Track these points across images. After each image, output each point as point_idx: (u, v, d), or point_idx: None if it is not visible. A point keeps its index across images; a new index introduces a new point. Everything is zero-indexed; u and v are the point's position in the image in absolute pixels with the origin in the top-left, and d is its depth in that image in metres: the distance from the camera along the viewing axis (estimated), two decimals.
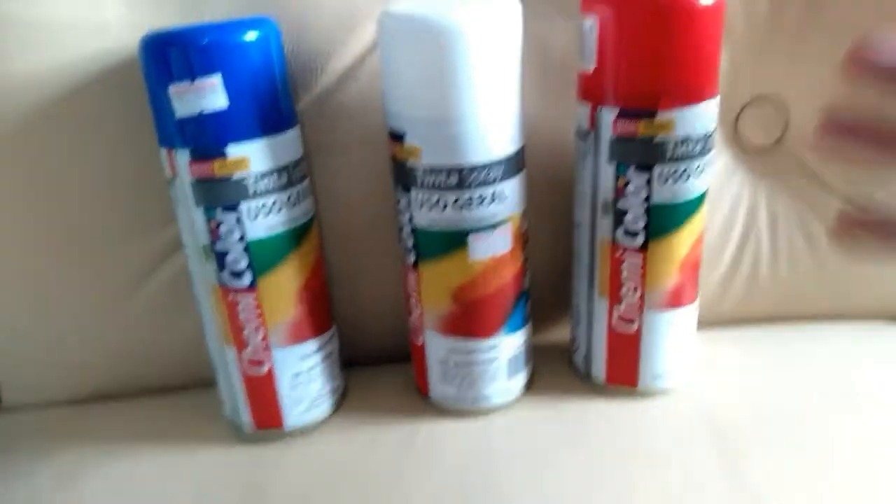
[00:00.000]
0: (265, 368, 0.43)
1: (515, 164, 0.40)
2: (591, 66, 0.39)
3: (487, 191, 0.39)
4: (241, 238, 0.39)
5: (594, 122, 0.40)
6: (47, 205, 0.44)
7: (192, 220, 0.39)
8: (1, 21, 0.40)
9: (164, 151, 0.39)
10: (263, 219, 0.39)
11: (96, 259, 0.46)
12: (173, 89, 0.36)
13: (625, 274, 0.42)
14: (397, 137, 0.39)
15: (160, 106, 0.38)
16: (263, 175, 0.39)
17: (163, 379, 0.50)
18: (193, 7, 0.42)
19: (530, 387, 0.47)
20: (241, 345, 0.42)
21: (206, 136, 0.37)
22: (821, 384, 0.46)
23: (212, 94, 0.36)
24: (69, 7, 0.41)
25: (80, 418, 0.49)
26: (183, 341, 0.48)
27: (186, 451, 0.44)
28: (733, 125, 0.48)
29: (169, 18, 0.41)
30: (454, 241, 0.40)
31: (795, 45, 0.46)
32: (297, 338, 0.43)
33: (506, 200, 0.40)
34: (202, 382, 0.48)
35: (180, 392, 0.50)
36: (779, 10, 0.45)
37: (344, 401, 0.48)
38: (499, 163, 0.39)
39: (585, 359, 0.47)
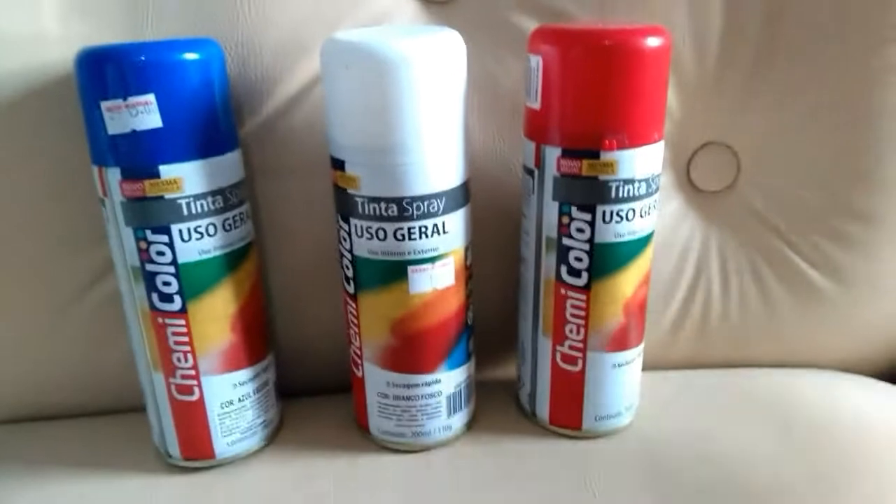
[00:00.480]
0: (195, 396, 0.41)
1: (459, 197, 0.39)
2: (536, 105, 0.39)
3: (429, 223, 0.38)
4: (172, 261, 0.38)
5: (539, 160, 0.39)
6: None
7: (121, 240, 0.38)
8: None
9: (95, 169, 0.38)
10: (196, 242, 0.38)
11: (26, 278, 0.44)
12: (106, 106, 0.35)
13: (568, 313, 0.41)
14: (338, 165, 0.38)
15: (93, 123, 0.36)
16: (197, 197, 0.38)
17: (93, 403, 0.48)
18: (136, 25, 0.41)
19: (473, 424, 0.46)
20: (169, 370, 0.40)
21: (138, 155, 0.36)
22: (767, 430, 0.45)
23: (145, 113, 0.35)
24: (6, 18, 0.40)
25: (3, 439, 0.47)
26: (115, 364, 0.46)
27: (113, 478, 0.42)
28: (685, 169, 0.48)
29: (110, 35, 0.41)
30: (394, 272, 0.39)
31: (746, 92, 0.46)
32: (230, 365, 0.41)
33: (448, 234, 0.39)
34: (134, 408, 0.46)
35: (110, 417, 0.48)
36: (729, 57, 0.45)
37: (279, 432, 0.46)
38: (440, 195, 0.38)
39: (530, 397, 0.45)
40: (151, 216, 0.37)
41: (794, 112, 0.46)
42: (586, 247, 0.39)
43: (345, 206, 0.39)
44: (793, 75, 0.45)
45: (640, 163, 0.38)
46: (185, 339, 0.39)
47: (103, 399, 0.48)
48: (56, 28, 0.40)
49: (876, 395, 0.50)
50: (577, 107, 0.37)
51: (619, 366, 0.43)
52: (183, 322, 0.39)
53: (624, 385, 0.43)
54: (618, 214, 0.39)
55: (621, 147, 0.37)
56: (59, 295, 0.45)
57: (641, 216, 0.39)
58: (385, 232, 0.38)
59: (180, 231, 0.38)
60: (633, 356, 0.43)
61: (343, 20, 0.42)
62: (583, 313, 0.41)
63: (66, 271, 0.45)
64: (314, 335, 0.48)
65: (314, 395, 0.49)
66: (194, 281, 0.39)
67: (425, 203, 0.38)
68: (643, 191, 0.39)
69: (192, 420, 0.41)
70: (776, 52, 0.45)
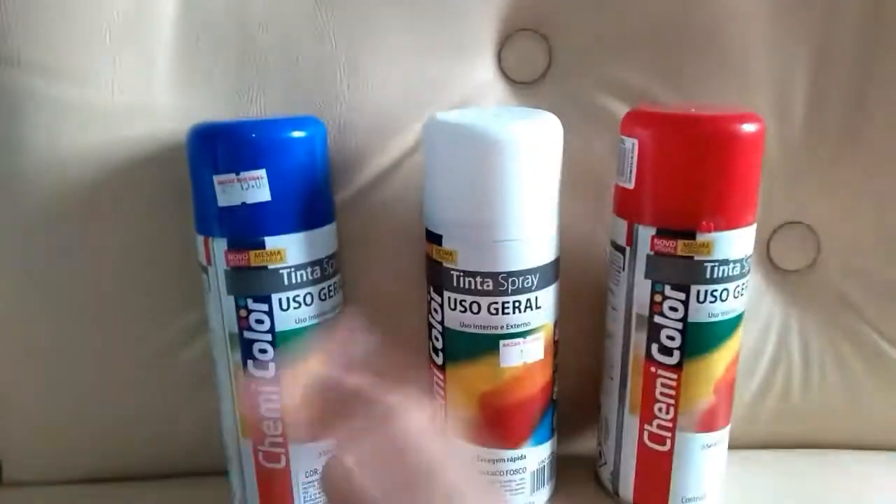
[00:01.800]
0: (282, 464, 0.40)
1: (551, 272, 0.38)
2: (630, 185, 0.38)
3: (522, 298, 0.37)
4: (270, 329, 0.37)
5: (631, 238, 0.38)
6: (73, 282, 0.43)
7: (221, 307, 0.38)
8: (60, 103, 0.40)
9: (200, 238, 0.38)
10: (294, 311, 0.38)
11: (117, 337, 0.44)
12: (218, 179, 0.36)
13: (658, 392, 0.40)
14: (434, 239, 0.38)
15: (203, 194, 0.37)
16: (298, 267, 0.37)
17: (169, 465, 0.47)
18: (241, 101, 0.42)
19: (554, 500, 0.43)
20: (258, 437, 0.39)
21: (245, 227, 0.36)
22: None
23: (256, 187, 0.36)
24: (122, 92, 0.41)
25: (81, 499, 0.46)
26: (194, 428, 0.46)
27: None
28: (765, 248, 0.47)
29: (216, 109, 0.41)
30: (485, 345, 0.38)
31: (828, 173, 0.45)
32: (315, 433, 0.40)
33: (540, 309, 0.38)
34: (210, 471, 0.45)
35: (186, 479, 0.47)
36: (813, 138, 0.44)
37: None
38: (535, 271, 0.37)
39: (612, 475, 0.43)
40: (254, 285, 0.37)
41: (875, 192, 0.45)
42: (679, 325, 0.38)
43: (439, 278, 0.38)
44: (873, 156, 0.44)
45: (736, 244, 0.37)
46: (277, 406, 0.39)
47: (179, 461, 0.47)
48: (167, 100, 0.41)
49: None
50: (675, 189, 0.37)
51: (708, 447, 0.40)
52: (276, 389, 0.38)
53: (711, 467, 0.41)
54: (712, 294, 0.37)
55: (718, 229, 0.36)
56: (146, 355, 0.45)
57: (735, 297, 0.38)
58: (479, 305, 0.37)
59: (280, 300, 0.37)
60: (722, 437, 0.41)
61: (435, 100, 0.43)
62: (673, 392, 0.39)
63: (156, 333, 0.44)
64: None
65: None
66: (289, 348, 0.38)
67: (520, 279, 0.37)
68: (737, 271, 0.38)
69: (276, 488, 0.40)
70: (859, 135, 0.44)
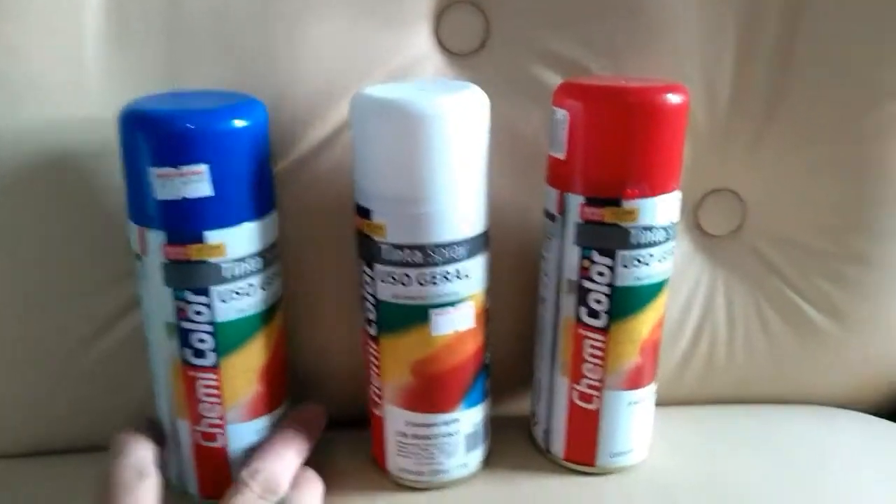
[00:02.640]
0: (218, 443, 0.39)
1: (480, 243, 0.38)
2: (561, 155, 0.38)
3: (451, 268, 0.37)
4: (210, 321, 0.36)
5: (562, 207, 0.39)
6: (4, 256, 0.42)
7: (157, 297, 0.36)
8: None
9: (135, 228, 0.36)
10: (234, 302, 0.37)
11: (44, 319, 0.43)
12: (157, 173, 0.34)
13: (586, 353, 0.40)
14: (364, 213, 0.37)
15: (138, 185, 0.35)
16: (238, 260, 0.36)
17: (102, 440, 0.47)
18: (175, 74, 0.40)
19: (488, 461, 0.44)
20: (195, 419, 0.39)
21: (185, 221, 0.35)
22: (774, 464, 0.44)
23: (197, 182, 0.34)
24: (53, 68, 0.39)
25: (16, 473, 0.45)
26: (129, 404, 0.45)
27: None
28: (694, 214, 0.47)
29: (148, 82, 0.39)
30: (416, 315, 0.38)
31: (754, 142, 0.45)
32: (254, 414, 0.39)
33: (469, 278, 0.38)
34: None
35: None
36: (739, 109, 0.44)
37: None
38: (463, 242, 0.37)
39: (545, 434, 0.44)
40: (193, 279, 0.36)
41: (798, 163, 0.45)
42: (606, 290, 0.39)
43: (369, 252, 0.38)
44: (798, 128, 0.44)
45: (660, 211, 0.37)
46: (216, 391, 0.38)
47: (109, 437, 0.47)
48: (97, 78, 0.39)
49: (872, 430, 0.49)
50: (602, 158, 0.37)
51: (634, 403, 0.41)
52: (214, 376, 0.37)
53: (638, 423, 0.42)
54: (637, 259, 0.38)
55: (642, 196, 0.36)
56: (73, 336, 0.44)
57: (659, 261, 0.38)
58: (409, 277, 0.37)
59: (220, 293, 0.36)
60: (647, 394, 0.42)
61: (371, 72, 0.42)
62: (601, 353, 0.40)
63: (84, 313, 0.43)
64: (334, 373, 0.47)
65: (329, 429, 0.48)
66: (229, 338, 0.37)
67: (448, 250, 0.37)
68: (662, 237, 0.38)
69: (213, 464, 0.40)
70: (783, 106, 0.44)
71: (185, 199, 0.34)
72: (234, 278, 0.36)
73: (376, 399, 0.41)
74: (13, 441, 0.47)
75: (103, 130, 0.38)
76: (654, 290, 0.39)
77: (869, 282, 0.47)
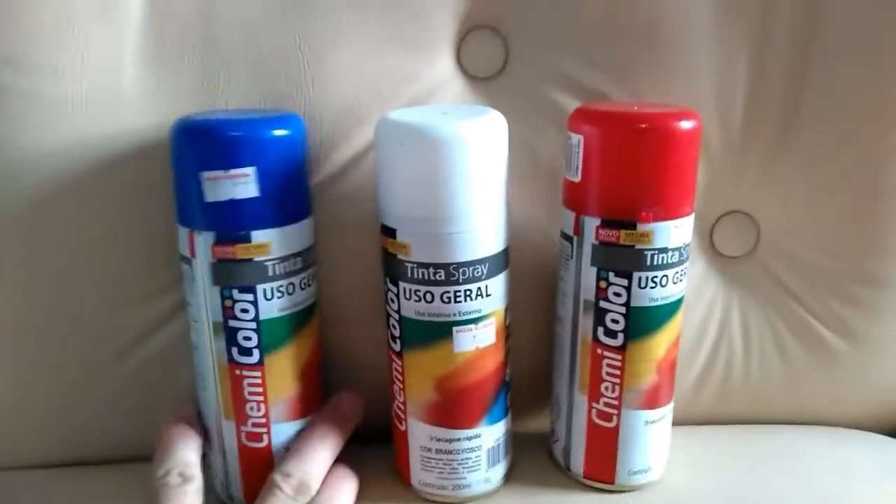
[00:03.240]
0: (263, 443, 0.41)
1: (501, 261, 0.40)
2: (576, 178, 0.39)
3: (473, 286, 0.39)
4: (255, 318, 0.39)
5: (578, 228, 0.40)
6: (41, 277, 0.44)
7: (206, 297, 0.39)
8: (29, 96, 0.41)
9: (184, 231, 0.39)
10: (277, 300, 0.39)
11: (87, 328, 0.45)
12: (206, 176, 0.37)
13: (604, 372, 0.41)
14: (389, 232, 0.39)
15: (188, 189, 0.38)
16: (282, 259, 0.39)
17: (148, 448, 0.48)
18: (210, 91, 0.42)
19: (510, 476, 0.45)
20: (241, 419, 0.41)
21: (232, 222, 0.38)
22: (791, 485, 0.45)
23: (244, 184, 0.37)
24: (91, 85, 0.41)
25: (58, 483, 0.47)
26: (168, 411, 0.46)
27: None
28: (709, 235, 0.49)
29: (185, 100, 0.42)
30: (439, 332, 0.39)
31: (766, 166, 0.46)
32: (296, 414, 0.42)
33: (490, 296, 0.39)
34: None
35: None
36: (751, 133, 0.46)
37: None
38: (485, 261, 0.39)
39: (564, 451, 0.45)
40: (239, 277, 0.38)
41: (810, 185, 0.46)
42: (622, 310, 0.40)
43: (394, 270, 0.39)
44: (810, 149, 0.46)
45: (674, 234, 0.39)
46: (260, 389, 0.40)
47: (149, 446, 0.48)
48: (134, 92, 0.42)
49: (889, 452, 0.50)
50: (617, 182, 0.38)
51: (652, 422, 0.42)
52: (259, 374, 0.40)
53: (655, 441, 0.43)
54: (652, 280, 0.39)
55: (657, 219, 0.38)
56: (117, 345, 0.46)
57: (674, 282, 0.40)
58: (432, 295, 0.39)
59: (265, 290, 0.39)
60: (665, 413, 0.43)
61: (397, 94, 0.44)
62: (618, 372, 0.41)
63: (125, 323, 0.45)
64: (361, 385, 0.48)
65: (354, 443, 0.49)
66: (272, 336, 0.40)
67: (470, 268, 0.38)
68: (676, 259, 0.39)
69: (258, 465, 0.41)
70: (795, 129, 0.46)
71: (232, 201, 0.37)
72: (278, 277, 0.39)
73: (400, 414, 0.43)
74: (51, 451, 0.48)
75: (142, 147, 0.42)
76: (670, 310, 0.41)
77: (882, 303, 0.48)
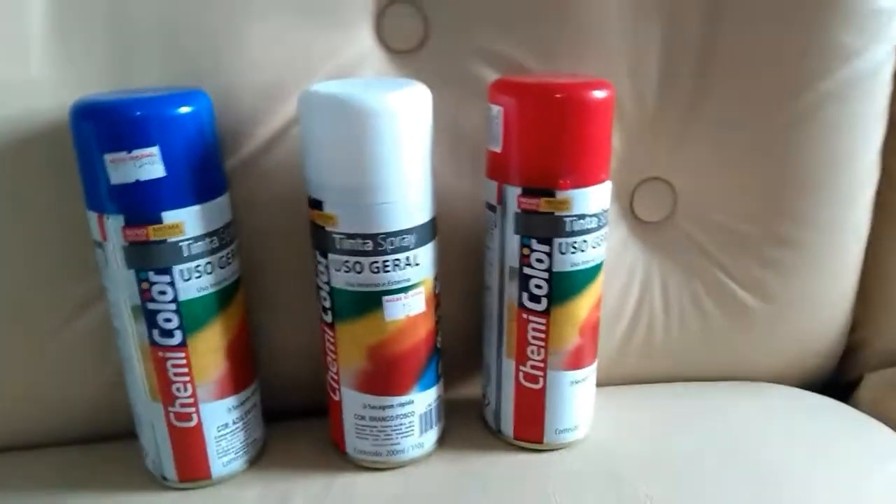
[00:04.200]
0: (193, 422, 0.42)
1: (429, 231, 0.41)
2: (497, 148, 0.41)
3: (401, 256, 0.40)
4: (174, 299, 0.39)
5: (501, 198, 0.42)
6: None
7: (122, 281, 0.39)
8: None
9: (93, 216, 0.38)
10: (195, 280, 0.39)
11: (7, 313, 0.45)
12: (110, 158, 0.36)
13: (530, 336, 0.44)
14: (316, 205, 0.40)
15: (93, 172, 0.37)
16: (197, 239, 0.39)
17: (77, 431, 0.49)
18: (123, 70, 0.42)
19: (443, 440, 0.47)
20: (168, 400, 0.41)
21: (141, 203, 0.37)
22: (712, 437, 0.48)
23: (149, 164, 0.37)
24: None
25: None
26: (96, 394, 0.47)
27: (108, 500, 0.43)
28: (629, 202, 0.51)
29: (97, 82, 0.42)
30: (369, 302, 0.41)
31: (681, 134, 0.49)
32: (224, 392, 0.42)
33: (419, 265, 0.41)
34: (112, 435, 0.47)
35: (89, 445, 0.48)
36: (666, 102, 0.48)
37: (264, 453, 0.47)
38: (412, 230, 0.40)
39: (495, 414, 0.47)
40: (154, 259, 0.38)
41: (724, 151, 0.49)
42: (545, 275, 0.42)
43: (322, 242, 0.41)
44: (723, 117, 0.48)
45: (592, 200, 0.41)
46: (185, 370, 0.41)
47: (78, 428, 0.49)
48: (44, 75, 0.41)
49: (802, 402, 0.54)
50: (535, 151, 0.40)
51: (576, 382, 0.45)
52: (183, 355, 0.40)
53: (581, 400, 0.46)
54: (573, 246, 0.41)
55: (574, 186, 0.40)
56: (40, 329, 0.45)
57: (594, 247, 0.42)
58: (361, 265, 0.40)
59: (181, 271, 0.39)
60: (588, 373, 0.46)
61: (318, 68, 0.44)
62: (543, 336, 0.43)
63: (47, 306, 0.45)
64: (292, 360, 0.49)
65: (291, 417, 0.50)
66: (194, 316, 0.40)
67: (398, 238, 0.40)
68: (594, 224, 0.42)
69: (189, 445, 0.42)
70: (708, 97, 0.48)
71: (138, 182, 0.37)
72: (194, 256, 0.39)
73: (334, 384, 0.44)
74: None
75: (53, 129, 0.41)
76: (591, 274, 0.43)
77: (795, 263, 0.52)
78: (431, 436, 0.46)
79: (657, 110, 0.48)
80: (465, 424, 0.49)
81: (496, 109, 0.41)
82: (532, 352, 0.44)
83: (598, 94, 0.39)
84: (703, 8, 0.46)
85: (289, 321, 0.48)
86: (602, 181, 0.41)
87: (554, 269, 0.42)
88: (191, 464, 0.43)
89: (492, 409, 0.48)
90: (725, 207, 0.51)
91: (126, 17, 0.42)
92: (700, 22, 0.47)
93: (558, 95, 0.39)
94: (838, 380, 0.59)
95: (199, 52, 0.43)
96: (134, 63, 0.42)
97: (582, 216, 0.41)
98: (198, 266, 0.39)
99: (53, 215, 0.43)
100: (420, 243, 0.41)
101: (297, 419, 0.50)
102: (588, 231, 0.41)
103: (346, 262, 0.40)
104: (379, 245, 0.40)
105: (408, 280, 0.41)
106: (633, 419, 0.50)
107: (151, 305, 0.39)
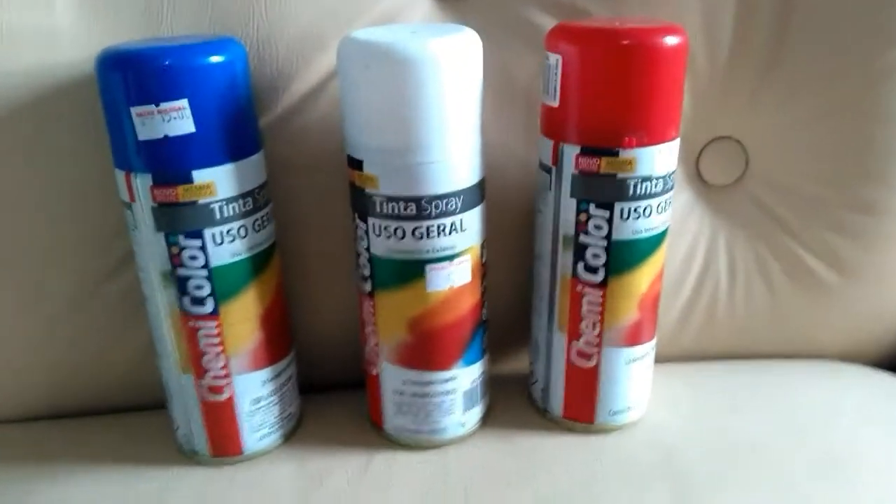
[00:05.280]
0: (225, 395, 0.40)
1: (476, 195, 0.38)
2: (554, 103, 0.38)
3: (446, 221, 0.37)
4: (205, 265, 0.37)
5: (556, 158, 0.39)
6: None
7: (151, 244, 0.37)
8: None
9: (121, 174, 0.36)
10: (228, 245, 0.37)
11: (38, 275, 0.43)
12: (137, 112, 0.34)
13: (584, 309, 0.41)
14: (355, 164, 0.37)
15: (120, 128, 0.35)
16: (229, 200, 0.37)
17: (108, 401, 0.47)
18: (151, 20, 0.39)
19: (487, 419, 0.45)
20: (199, 372, 0.39)
21: (170, 161, 0.35)
22: (773, 421, 0.45)
23: (178, 119, 0.34)
24: (19, 12, 0.38)
25: (26, 437, 0.46)
26: (126, 362, 0.46)
27: (137, 474, 0.42)
28: (695, 164, 0.47)
29: (125, 31, 0.39)
30: (411, 271, 0.38)
31: (756, 90, 0.45)
32: (258, 364, 0.41)
33: (465, 232, 0.38)
34: (145, 405, 0.46)
35: (124, 415, 0.47)
36: (740, 55, 0.44)
37: (298, 427, 0.45)
38: (459, 193, 0.37)
39: (543, 392, 0.45)
40: (184, 221, 0.36)
41: (802, 110, 0.45)
42: (604, 244, 0.39)
43: (362, 205, 0.38)
44: (801, 74, 0.44)
45: (658, 160, 0.37)
46: (217, 340, 0.39)
47: (114, 396, 0.47)
48: (71, 23, 0.39)
49: (875, 384, 0.50)
50: (597, 105, 0.36)
51: (633, 361, 0.42)
52: (215, 324, 0.38)
53: (637, 380, 0.43)
54: (635, 211, 0.38)
55: (640, 145, 0.36)
56: (71, 293, 0.44)
57: (658, 212, 0.39)
58: (403, 231, 0.37)
59: (213, 235, 0.37)
60: (647, 351, 0.43)
61: (359, 16, 0.41)
62: (599, 309, 0.40)
63: (77, 269, 0.43)
64: (329, 331, 0.47)
65: (327, 391, 0.49)
66: (227, 283, 0.38)
67: (443, 202, 0.37)
68: (660, 188, 0.38)
69: (222, 418, 0.41)
70: (786, 51, 0.44)
71: (167, 138, 0.34)
72: (226, 220, 0.37)
73: (373, 357, 0.42)
74: (8, 405, 0.47)
75: (78, 81, 0.39)
76: (654, 242, 0.40)
77: (873, 231, 0.47)
78: (475, 414, 0.44)
79: (731, 61, 0.44)
80: (510, 402, 0.47)
81: (554, 59, 0.37)
82: (586, 326, 0.41)
83: (671, 41, 0.35)
84: None
85: (325, 289, 0.46)
86: (671, 139, 0.38)
87: (613, 237, 0.39)
88: (223, 438, 0.41)
89: (539, 386, 0.45)
90: (800, 169, 0.47)
91: None
92: None
93: (625, 42, 0.35)
94: None
95: (233, 1, 0.40)
96: (163, 10, 0.39)
97: (647, 178, 0.37)
98: (230, 230, 0.37)
99: (81, 174, 0.41)
100: (467, 207, 0.38)
101: (332, 391, 0.48)
102: (653, 195, 0.38)
103: (387, 226, 0.37)
104: (423, 209, 0.37)
105: (453, 247, 0.38)
106: (691, 400, 0.47)
107: (182, 271, 0.37)
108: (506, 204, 0.44)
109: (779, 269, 0.49)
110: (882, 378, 0.51)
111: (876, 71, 0.44)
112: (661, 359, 0.45)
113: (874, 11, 0.43)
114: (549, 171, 0.40)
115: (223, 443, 0.42)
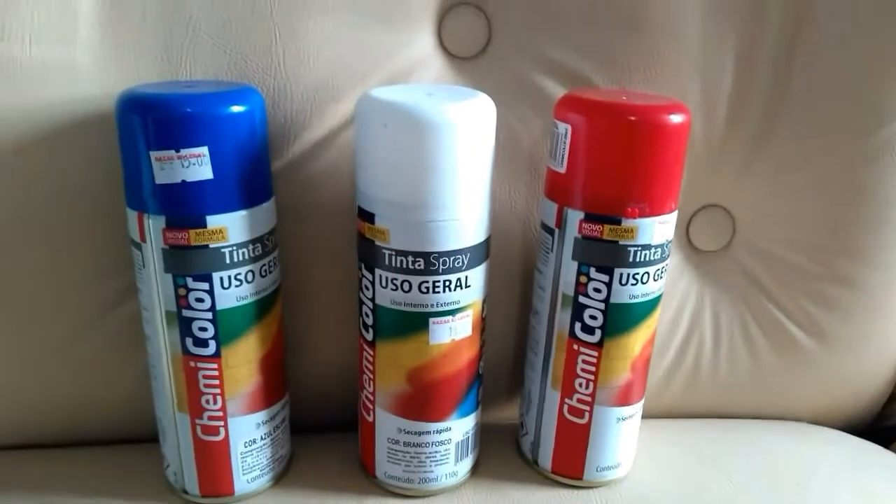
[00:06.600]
0: (220, 436, 0.40)
1: (482, 252, 0.40)
2: (561, 169, 0.40)
3: (453, 277, 0.39)
4: (211, 307, 0.37)
5: (560, 220, 0.40)
6: None
7: (157, 285, 0.37)
8: None
9: (133, 214, 0.37)
10: (235, 288, 0.38)
11: (37, 309, 0.43)
12: (156, 156, 0.34)
13: (579, 368, 0.42)
14: (366, 217, 0.38)
15: (136, 169, 0.35)
16: (240, 245, 0.37)
17: (98, 433, 0.47)
18: (172, 61, 0.40)
19: (476, 469, 0.46)
20: (196, 412, 0.40)
21: (185, 205, 0.36)
22: (755, 480, 0.46)
23: (197, 165, 0.35)
24: (40, 46, 0.39)
25: (13, 466, 0.46)
26: (122, 397, 0.46)
27: None
28: (685, 229, 0.50)
29: (145, 70, 0.40)
30: (415, 323, 0.39)
31: (747, 161, 0.47)
32: (255, 406, 0.41)
33: (470, 287, 0.39)
34: (142, 437, 0.46)
35: (113, 447, 0.47)
36: (734, 127, 0.47)
37: (289, 469, 0.45)
38: (466, 251, 0.38)
39: (533, 445, 0.46)
40: (194, 264, 0.36)
41: (790, 182, 0.48)
42: (602, 306, 0.40)
43: (370, 256, 0.39)
44: (792, 149, 0.47)
45: (658, 230, 0.39)
46: (217, 381, 0.39)
47: (106, 429, 0.47)
48: (91, 60, 0.39)
49: (848, 448, 0.52)
50: (604, 175, 0.38)
51: (623, 420, 0.43)
52: (215, 366, 0.39)
53: (625, 437, 0.44)
54: (634, 277, 0.40)
55: (643, 215, 0.38)
56: (69, 326, 0.44)
57: (655, 279, 0.41)
58: (410, 284, 0.38)
59: (221, 279, 0.37)
60: (636, 410, 0.44)
61: (374, 71, 0.43)
62: (593, 369, 0.42)
63: (76, 303, 0.44)
64: (325, 374, 0.48)
65: (318, 432, 0.49)
66: (230, 326, 0.38)
67: (451, 258, 0.38)
68: (658, 255, 0.40)
69: (214, 459, 0.41)
70: (778, 127, 0.46)
71: (184, 183, 0.35)
72: (236, 264, 0.37)
73: (368, 404, 0.43)
74: (4, 434, 0.47)
75: (97, 118, 0.39)
76: (649, 307, 0.41)
77: (852, 303, 0.50)
78: (466, 464, 0.45)
79: (725, 134, 0.47)
80: (500, 452, 0.48)
81: (563, 127, 0.39)
82: (580, 385, 0.42)
83: (675, 119, 0.38)
84: (782, 28, 0.45)
85: (325, 333, 0.47)
86: (671, 211, 0.40)
87: (611, 301, 0.40)
88: (214, 479, 0.41)
89: (529, 439, 0.46)
90: (786, 240, 0.49)
91: (180, 4, 0.40)
92: (778, 43, 0.45)
93: (633, 118, 0.37)
94: (878, 425, 0.58)
95: (253, 46, 0.41)
96: (183, 54, 0.40)
97: (647, 246, 0.39)
98: (238, 274, 0.38)
99: (88, 209, 0.42)
100: (473, 264, 0.39)
101: (324, 433, 0.49)
102: (652, 262, 0.40)
103: (395, 279, 0.38)
104: (431, 264, 0.38)
105: (457, 302, 0.39)
106: (675, 456, 0.49)
107: (187, 313, 0.38)
108: (504, 259, 0.46)
109: (760, 333, 0.51)
110: (850, 442, 0.53)
111: (866, 149, 0.47)
112: (644, 414, 0.47)
113: (868, 91, 0.46)
114: (551, 232, 0.41)
115: (214, 483, 0.42)
